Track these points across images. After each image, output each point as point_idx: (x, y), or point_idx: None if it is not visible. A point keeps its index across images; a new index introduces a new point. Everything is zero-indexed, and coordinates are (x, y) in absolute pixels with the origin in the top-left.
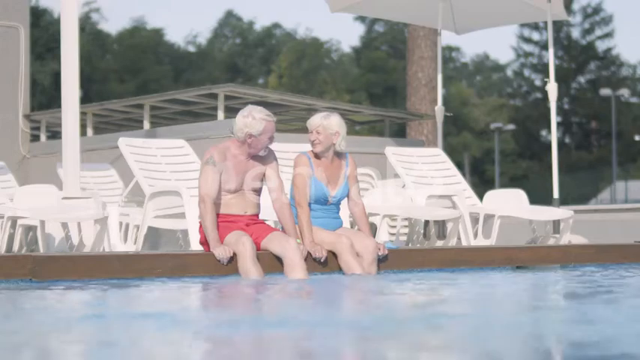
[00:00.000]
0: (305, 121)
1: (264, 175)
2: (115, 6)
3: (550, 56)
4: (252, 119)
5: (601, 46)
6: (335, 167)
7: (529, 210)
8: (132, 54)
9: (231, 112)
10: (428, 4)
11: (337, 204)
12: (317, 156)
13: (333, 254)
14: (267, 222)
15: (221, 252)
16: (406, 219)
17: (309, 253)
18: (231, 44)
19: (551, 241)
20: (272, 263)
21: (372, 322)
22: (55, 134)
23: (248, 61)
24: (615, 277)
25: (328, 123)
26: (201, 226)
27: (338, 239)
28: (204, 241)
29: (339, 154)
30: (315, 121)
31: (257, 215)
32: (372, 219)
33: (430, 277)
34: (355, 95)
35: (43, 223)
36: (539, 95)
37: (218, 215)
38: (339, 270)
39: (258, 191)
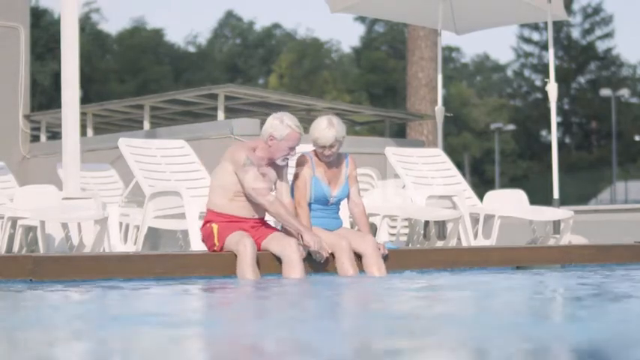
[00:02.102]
0: (305, 121)
1: (278, 176)
2: (115, 6)
3: (550, 56)
4: (280, 122)
5: (601, 46)
6: (336, 167)
7: (529, 210)
8: (132, 54)
9: (231, 112)
10: (428, 5)
11: (337, 204)
12: (319, 156)
13: (332, 255)
14: (269, 222)
15: (311, 238)
16: (406, 219)
17: (308, 253)
18: (231, 44)
19: (552, 242)
20: (272, 264)
21: (368, 323)
22: (55, 135)
23: (248, 61)
24: (615, 278)
25: (338, 133)
26: (203, 225)
27: (338, 241)
28: (205, 239)
29: (338, 154)
30: (329, 136)
31: (263, 218)
32: (372, 219)
33: (430, 278)
34: (355, 95)
35: (43, 223)
36: (539, 95)
37: (224, 215)
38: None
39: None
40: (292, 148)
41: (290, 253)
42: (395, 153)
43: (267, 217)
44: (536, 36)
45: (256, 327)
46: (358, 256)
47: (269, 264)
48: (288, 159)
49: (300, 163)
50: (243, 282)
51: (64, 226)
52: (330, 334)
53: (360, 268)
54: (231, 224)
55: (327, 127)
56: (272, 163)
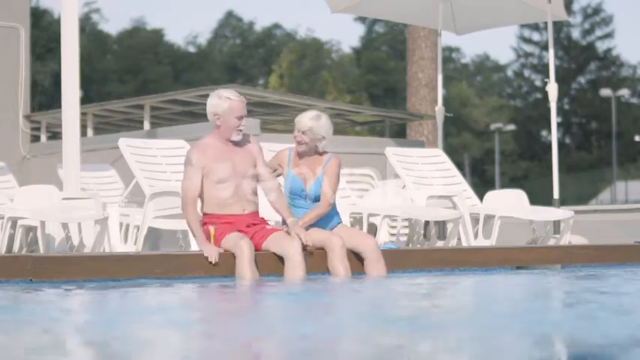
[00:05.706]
0: None
1: (254, 161)
2: (115, 6)
3: (550, 57)
4: (218, 99)
5: (601, 46)
6: (314, 164)
7: (529, 210)
8: (132, 54)
9: None
10: (428, 5)
11: (316, 200)
12: (299, 153)
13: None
14: (269, 222)
15: (210, 251)
16: (406, 219)
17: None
18: (231, 45)
19: (552, 242)
20: (272, 264)
21: (368, 324)
22: (55, 135)
23: (248, 61)
24: (615, 278)
25: (317, 127)
26: (204, 225)
27: (328, 239)
28: (208, 238)
29: (323, 153)
30: (304, 122)
31: (256, 213)
32: (372, 219)
33: (430, 278)
34: (355, 96)
35: (43, 223)
36: (539, 96)
37: (218, 216)
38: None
39: (254, 178)
40: (240, 117)
41: (293, 253)
42: (395, 153)
43: (267, 217)
44: (536, 36)
45: (243, 328)
46: (359, 257)
47: (269, 264)
48: (241, 130)
49: (277, 158)
50: (240, 283)
51: (64, 226)
52: (312, 336)
53: (361, 269)
54: (227, 225)
55: (310, 116)
56: (236, 148)
